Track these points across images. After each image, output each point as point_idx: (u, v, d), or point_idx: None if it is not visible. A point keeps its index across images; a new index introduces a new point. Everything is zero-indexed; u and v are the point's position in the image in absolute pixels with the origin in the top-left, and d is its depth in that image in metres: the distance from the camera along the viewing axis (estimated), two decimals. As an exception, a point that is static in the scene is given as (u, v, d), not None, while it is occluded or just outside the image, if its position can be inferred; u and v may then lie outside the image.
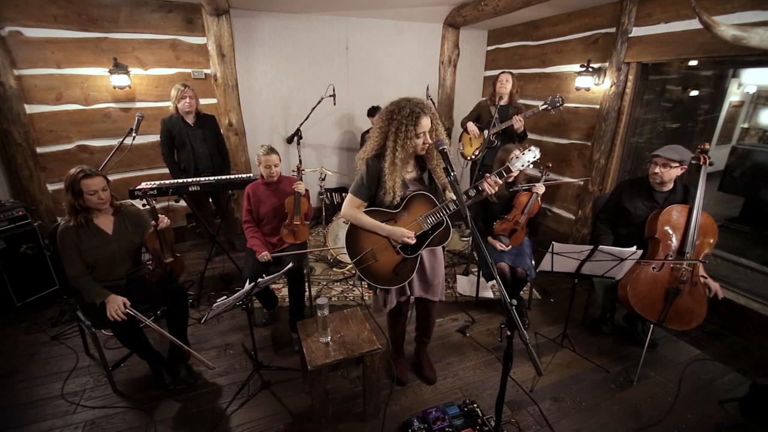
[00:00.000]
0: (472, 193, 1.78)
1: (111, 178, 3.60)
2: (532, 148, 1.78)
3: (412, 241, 1.83)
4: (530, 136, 4.11)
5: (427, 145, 1.78)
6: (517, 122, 3.34)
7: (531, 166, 1.80)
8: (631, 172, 3.64)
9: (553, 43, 4.03)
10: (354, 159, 4.78)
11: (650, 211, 2.39)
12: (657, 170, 2.33)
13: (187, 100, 3.25)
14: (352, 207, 1.89)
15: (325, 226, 4.29)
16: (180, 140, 3.34)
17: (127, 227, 2.23)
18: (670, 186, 2.40)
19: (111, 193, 2.15)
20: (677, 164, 2.27)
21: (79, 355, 2.50)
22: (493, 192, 1.75)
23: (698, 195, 2.24)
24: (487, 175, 1.75)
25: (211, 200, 3.74)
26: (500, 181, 1.76)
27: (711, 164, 2.31)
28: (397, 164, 1.74)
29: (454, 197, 1.75)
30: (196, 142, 3.38)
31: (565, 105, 3.37)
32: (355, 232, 1.92)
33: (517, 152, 2.58)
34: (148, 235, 2.23)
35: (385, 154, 1.75)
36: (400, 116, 1.69)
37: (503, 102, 3.58)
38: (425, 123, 1.71)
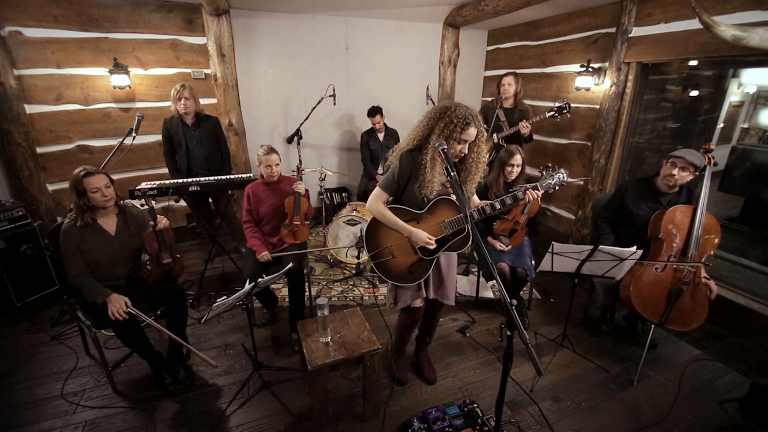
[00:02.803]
0: (509, 200, 1.78)
1: (111, 178, 3.64)
2: (562, 170, 1.80)
3: (432, 246, 1.84)
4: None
5: (462, 154, 1.80)
6: (524, 128, 3.36)
7: (557, 188, 1.83)
8: (631, 172, 3.64)
9: (553, 43, 4.03)
10: (354, 159, 4.84)
11: (653, 213, 2.39)
12: (674, 172, 2.27)
13: (183, 101, 3.18)
14: (378, 201, 1.91)
15: (325, 226, 4.29)
16: (177, 140, 3.33)
17: (130, 229, 2.23)
18: (677, 189, 2.38)
19: (116, 192, 2.15)
20: (694, 169, 2.24)
21: (79, 355, 2.50)
22: (532, 200, 1.78)
23: (702, 195, 2.23)
24: (527, 186, 1.78)
25: (211, 200, 3.73)
26: (540, 193, 1.80)
27: (716, 164, 2.30)
28: (437, 159, 1.74)
29: (483, 206, 1.80)
30: (192, 143, 3.35)
31: (572, 107, 3.34)
32: (376, 227, 1.94)
33: (511, 148, 2.60)
34: (146, 235, 2.23)
35: (429, 146, 1.75)
36: (453, 115, 1.70)
37: (508, 104, 3.59)
38: (472, 132, 1.73)
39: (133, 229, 2.24)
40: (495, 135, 3.53)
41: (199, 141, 3.36)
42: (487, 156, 3.69)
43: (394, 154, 1.89)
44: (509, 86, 3.52)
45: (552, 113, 3.29)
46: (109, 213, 2.18)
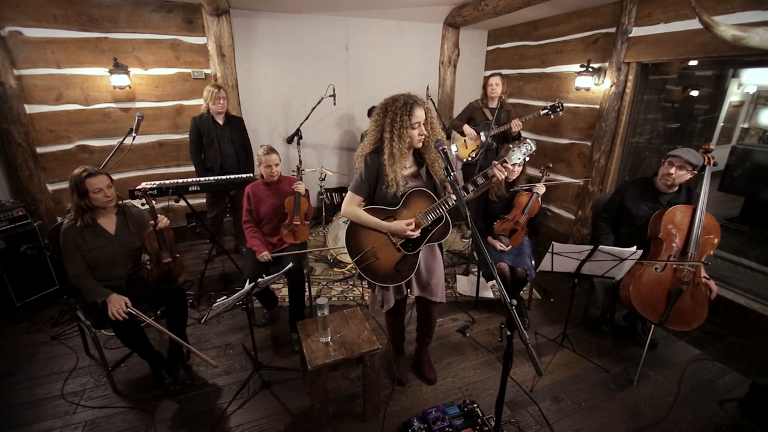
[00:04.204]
0: (480, 180, 1.78)
1: (111, 178, 3.63)
2: (528, 141, 1.82)
3: (415, 234, 1.82)
4: (530, 136, 4.12)
5: (423, 137, 1.79)
6: (516, 126, 3.42)
7: (528, 158, 1.84)
8: (631, 172, 3.64)
9: (553, 43, 4.03)
10: (354, 159, 4.83)
11: (653, 213, 2.38)
12: (672, 171, 2.27)
13: (221, 101, 3.31)
14: (351, 205, 1.90)
15: (325, 226, 4.28)
16: (208, 139, 3.39)
17: (130, 228, 2.24)
18: (676, 188, 2.38)
19: (116, 192, 2.15)
20: (692, 168, 2.24)
21: (79, 355, 2.50)
22: (503, 178, 1.78)
23: (702, 195, 2.23)
24: (495, 162, 1.77)
25: (228, 198, 3.75)
26: (510, 167, 1.79)
27: (715, 164, 2.30)
28: (395, 155, 1.75)
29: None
30: (224, 141, 3.42)
31: (565, 106, 3.38)
32: (355, 231, 1.92)
33: (510, 145, 2.59)
34: (147, 235, 2.23)
35: (383, 146, 1.77)
36: (394, 107, 1.73)
37: (493, 104, 3.64)
38: (419, 114, 1.74)
39: (133, 229, 2.25)
40: (483, 134, 3.57)
41: (230, 139, 3.45)
42: (474, 154, 3.72)
43: (358, 159, 1.91)
44: (497, 86, 3.58)
45: (546, 111, 3.35)
46: (108, 213, 2.18)
